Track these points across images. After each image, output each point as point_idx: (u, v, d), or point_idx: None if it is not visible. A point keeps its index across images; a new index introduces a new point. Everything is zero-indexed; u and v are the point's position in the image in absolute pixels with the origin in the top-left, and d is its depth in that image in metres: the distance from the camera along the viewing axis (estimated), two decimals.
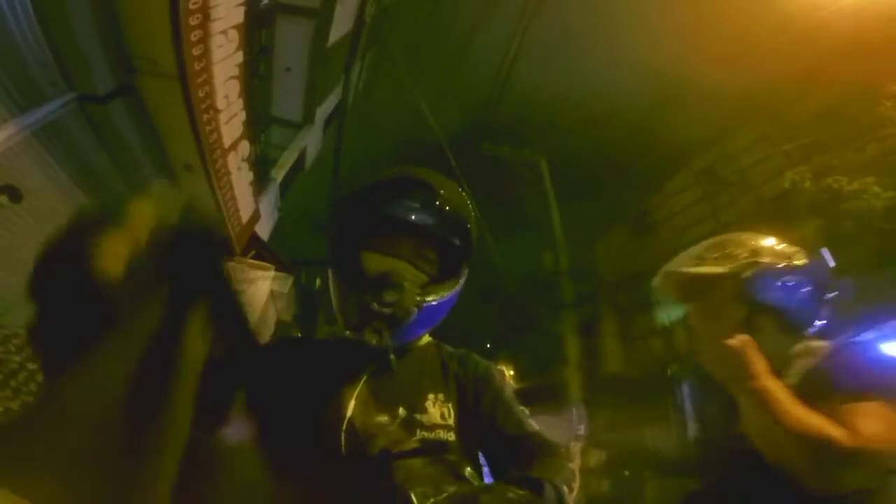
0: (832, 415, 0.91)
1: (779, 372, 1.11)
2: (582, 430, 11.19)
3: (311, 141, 9.72)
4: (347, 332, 1.07)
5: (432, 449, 0.94)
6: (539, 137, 14.89)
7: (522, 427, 1.11)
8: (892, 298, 9.39)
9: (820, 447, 0.86)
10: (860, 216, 8.78)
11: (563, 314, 13.57)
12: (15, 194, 3.72)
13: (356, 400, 0.97)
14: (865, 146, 8.82)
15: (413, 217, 1.04)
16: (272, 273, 7.85)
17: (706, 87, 11.66)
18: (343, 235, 1.12)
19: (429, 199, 1.07)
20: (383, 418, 0.95)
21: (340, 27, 8.31)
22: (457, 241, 1.09)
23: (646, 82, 13.96)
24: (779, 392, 0.96)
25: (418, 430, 0.95)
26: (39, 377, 3.23)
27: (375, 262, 1.04)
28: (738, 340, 1.07)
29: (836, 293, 1.29)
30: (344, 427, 0.92)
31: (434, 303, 1.06)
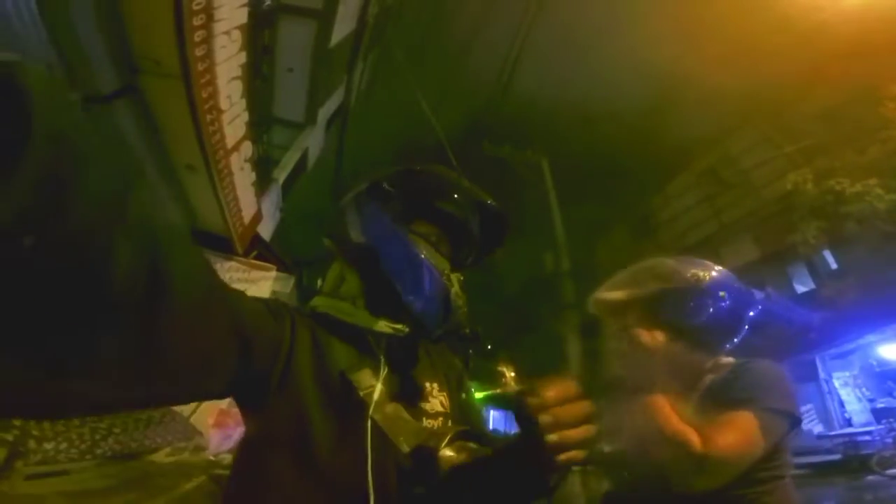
0: (706, 424, 0.99)
1: (691, 386, 1.20)
2: None
3: (314, 141, 9.74)
4: (399, 326, 0.98)
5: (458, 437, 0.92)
6: (541, 138, 14.92)
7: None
8: (893, 300, 9.39)
9: (679, 451, 0.94)
10: (862, 218, 8.78)
11: (563, 315, 13.56)
12: None
13: (378, 392, 0.93)
14: (867, 148, 8.82)
15: (473, 227, 1.09)
16: (274, 273, 7.86)
17: (707, 89, 11.67)
18: (401, 209, 1.06)
19: (491, 214, 1.12)
20: (403, 411, 0.93)
21: (343, 28, 8.33)
22: (478, 259, 1.17)
23: (647, 83, 13.99)
24: (663, 403, 1.04)
25: (423, 419, 0.95)
26: None
27: (430, 256, 1.02)
28: (637, 360, 1.20)
29: (757, 310, 1.35)
30: (369, 416, 0.88)
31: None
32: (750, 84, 11.65)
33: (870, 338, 10.88)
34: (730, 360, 1.24)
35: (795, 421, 1.05)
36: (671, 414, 1.02)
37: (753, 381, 1.09)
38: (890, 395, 10.70)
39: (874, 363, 11.52)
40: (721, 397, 1.07)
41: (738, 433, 0.97)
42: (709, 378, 1.21)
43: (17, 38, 3.30)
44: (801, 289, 12.57)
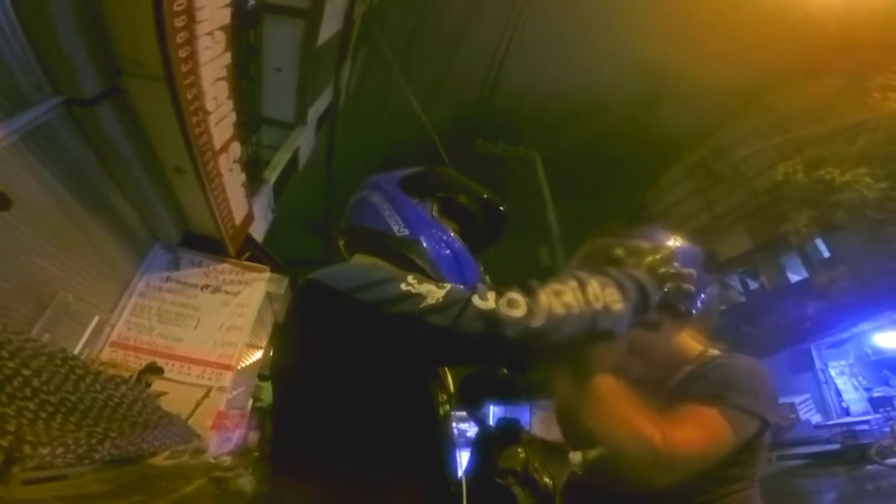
0: (666, 417, 0.93)
1: (669, 374, 1.14)
2: None
3: (304, 141, 9.70)
4: None
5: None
6: (533, 133, 14.92)
7: None
8: (885, 288, 9.47)
9: (633, 444, 0.89)
10: (853, 207, 8.84)
11: None
12: (3, 201, 3.70)
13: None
14: (857, 138, 8.87)
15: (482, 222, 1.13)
16: (268, 274, 7.84)
17: (697, 82, 11.71)
18: (430, 204, 1.09)
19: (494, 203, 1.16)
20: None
21: (330, 27, 8.28)
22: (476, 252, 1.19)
23: (638, 77, 14.01)
24: (612, 388, 0.99)
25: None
26: (35, 382, 3.23)
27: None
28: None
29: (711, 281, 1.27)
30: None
31: None
32: (740, 76, 11.71)
33: (864, 326, 10.94)
34: (715, 352, 1.18)
35: (765, 424, 0.99)
36: (620, 401, 0.96)
37: (725, 378, 1.03)
38: (886, 383, 10.74)
39: (869, 351, 11.58)
40: (688, 391, 1.02)
41: (700, 429, 0.92)
42: (686, 369, 1.16)
43: None
44: (794, 278, 12.65)
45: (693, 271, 0.96)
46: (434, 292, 0.71)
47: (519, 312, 0.68)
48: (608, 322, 0.73)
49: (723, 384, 1.00)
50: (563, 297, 0.72)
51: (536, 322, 0.68)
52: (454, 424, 0.98)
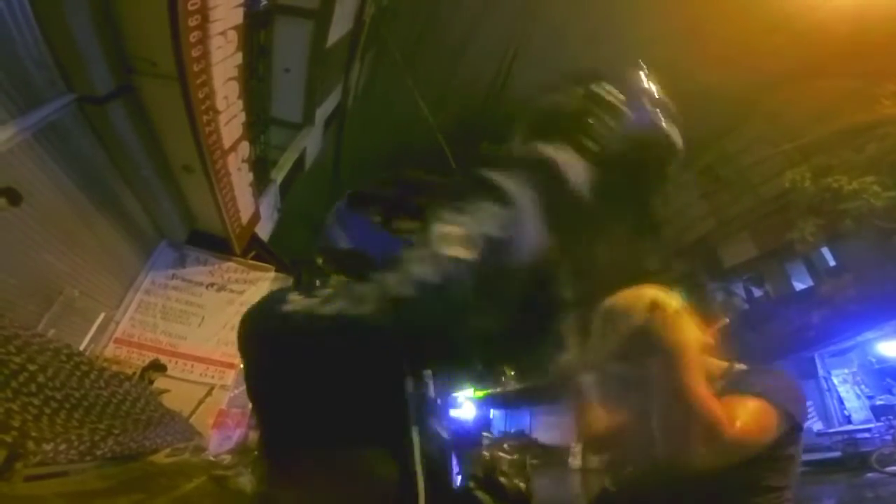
0: (724, 403, 0.97)
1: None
2: None
3: (312, 142, 9.73)
4: None
5: None
6: None
7: None
8: (891, 297, 9.40)
9: (707, 423, 0.92)
10: (860, 215, 8.79)
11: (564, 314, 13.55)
12: (14, 197, 3.72)
13: None
14: (865, 145, 8.81)
15: None
16: (273, 274, 7.86)
17: (705, 87, 11.65)
18: (382, 211, 1.10)
19: None
20: None
21: (339, 28, 8.31)
22: None
23: None
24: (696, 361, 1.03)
25: None
26: (40, 378, 3.24)
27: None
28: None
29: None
30: None
31: None
32: (748, 82, 11.64)
33: (868, 335, 10.88)
34: (742, 367, 1.23)
35: (799, 427, 1.05)
36: (697, 373, 1.00)
37: (768, 379, 1.09)
38: (889, 392, 10.69)
39: (873, 360, 11.51)
40: (741, 387, 1.06)
41: (755, 418, 0.98)
42: (719, 384, 1.20)
43: (10, 39, 3.29)
44: (799, 286, 12.58)
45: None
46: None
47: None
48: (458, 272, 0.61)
49: (766, 384, 1.05)
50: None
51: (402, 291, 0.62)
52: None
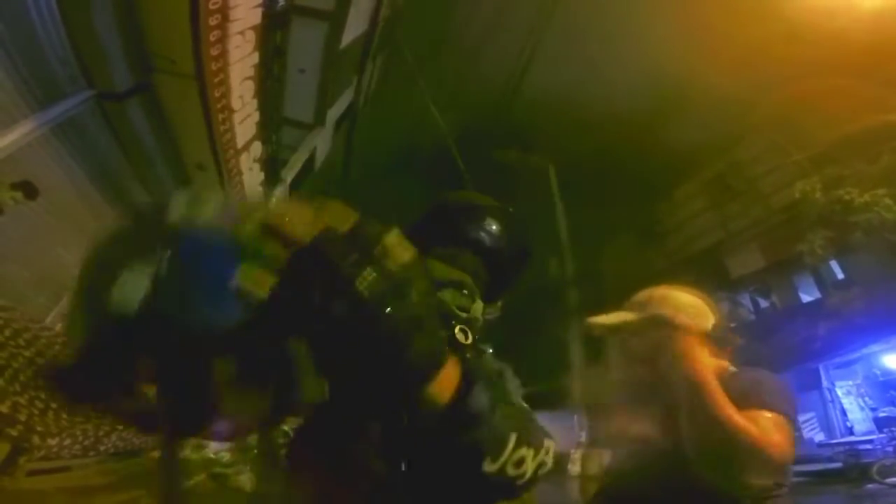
0: (753, 419, 0.99)
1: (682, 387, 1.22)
2: (583, 437, 11.17)
3: (322, 142, 9.75)
4: None
5: None
6: (548, 143, 14.89)
7: None
8: None
9: (753, 451, 0.92)
10: (870, 228, 8.72)
11: (567, 321, 13.51)
12: (31, 190, 3.75)
13: None
14: (878, 157, 8.75)
15: (490, 242, 1.03)
16: None
17: (718, 96, 11.61)
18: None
19: (506, 226, 1.06)
20: None
21: (354, 29, 8.35)
22: (514, 275, 1.11)
23: (656, 89, 13.93)
24: (717, 387, 1.04)
25: None
26: None
27: (441, 272, 0.99)
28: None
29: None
30: None
31: (489, 317, 1.01)
32: (761, 91, 11.59)
33: (874, 347, 10.80)
34: (731, 367, 1.26)
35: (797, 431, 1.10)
36: (726, 400, 1.00)
37: (772, 390, 1.10)
38: (892, 404, 10.60)
39: (878, 372, 11.46)
40: (747, 401, 1.06)
41: (783, 434, 0.98)
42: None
43: (35, 34, 3.33)
44: (806, 298, 12.49)
45: None
46: None
47: None
48: None
49: (773, 395, 1.08)
50: None
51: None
52: None
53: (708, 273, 13.20)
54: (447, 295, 0.91)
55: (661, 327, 1.28)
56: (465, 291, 0.93)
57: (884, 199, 8.45)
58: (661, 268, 14.11)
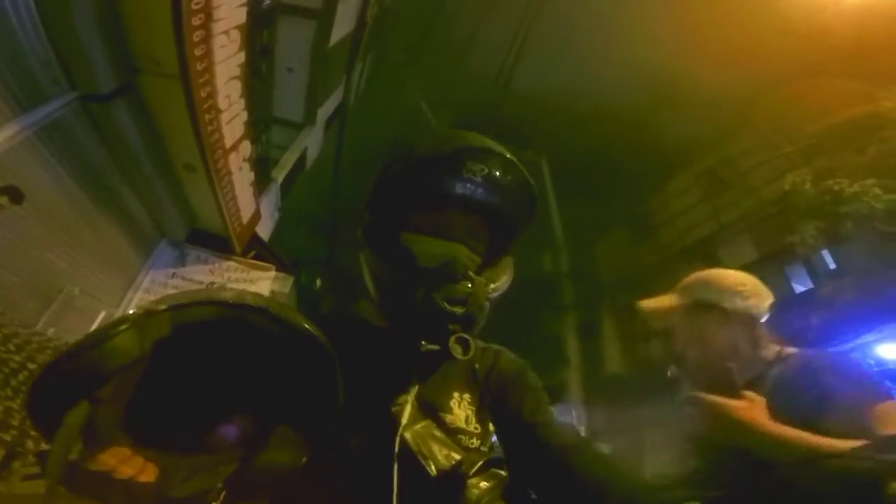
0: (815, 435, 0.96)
1: (754, 381, 1.19)
2: (581, 431, 11.23)
3: (313, 141, 9.72)
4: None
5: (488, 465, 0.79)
6: (540, 137, 14.89)
7: (554, 430, 0.91)
8: (891, 300, 9.41)
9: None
10: (860, 218, 8.79)
11: (562, 315, 13.58)
12: (17, 195, 3.72)
13: (410, 407, 0.82)
14: (866, 148, 8.82)
15: (476, 193, 0.84)
16: (273, 273, 7.85)
17: (707, 89, 11.65)
18: (381, 214, 0.91)
19: (493, 169, 0.86)
20: (434, 428, 0.83)
21: (342, 28, 8.31)
22: (520, 220, 0.93)
23: (647, 84, 13.95)
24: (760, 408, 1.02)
25: (458, 436, 0.85)
26: None
27: (427, 246, 0.85)
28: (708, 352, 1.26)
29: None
30: (398, 438, 0.79)
31: (498, 293, 0.89)
32: (750, 85, 11.64)
33: (868, 337, 10.90)
34: (791, 350, 1.25)
35: None
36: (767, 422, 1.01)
37: (847, 384, 1.12)
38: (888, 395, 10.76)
39: (872, 363, 11.57)
40: (810, 404, 1.07)
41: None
42: (776, 370, 1.20)
43: (14, 36, 3.29)
44: (799, 289, 12.57)
45: None
46: None
47: None
48: None
49: (851, 390, 1.10)
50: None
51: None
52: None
53: (701, 265, 13.24)
54: (440, 296, 0.80)
55: (706, 312, 1.26)
56: (459, 273, 0.82)
57: (873, 189, 8.51)
58: (654, 260, 14.15)
